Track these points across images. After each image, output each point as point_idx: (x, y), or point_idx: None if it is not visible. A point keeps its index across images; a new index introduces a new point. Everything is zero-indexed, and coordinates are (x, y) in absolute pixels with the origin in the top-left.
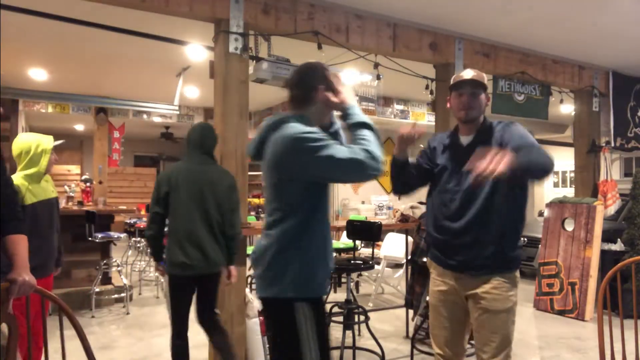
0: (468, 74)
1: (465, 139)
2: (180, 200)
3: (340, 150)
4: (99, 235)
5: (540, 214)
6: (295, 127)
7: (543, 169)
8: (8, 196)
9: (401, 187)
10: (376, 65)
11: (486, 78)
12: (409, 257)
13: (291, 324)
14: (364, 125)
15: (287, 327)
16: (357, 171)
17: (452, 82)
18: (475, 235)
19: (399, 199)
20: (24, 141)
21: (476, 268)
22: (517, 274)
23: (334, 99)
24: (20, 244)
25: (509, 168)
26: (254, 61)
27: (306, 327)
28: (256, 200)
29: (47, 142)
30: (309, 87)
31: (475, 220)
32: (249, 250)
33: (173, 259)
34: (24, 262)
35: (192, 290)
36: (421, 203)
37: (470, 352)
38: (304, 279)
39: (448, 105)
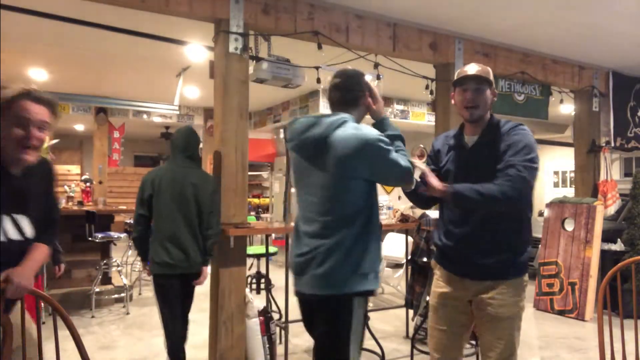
0: (472, 68)
1: (470, 140)
2: (163, 202)
3: (399, 157)
4: (99, 235)
5: (540, 214)
6: (366, 128)
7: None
8: (53, 212)
9: (423, 205)
10: (376, 65)
11: (491, 73)
12: (409, 257)
13: (348, 319)
14: (399, 138)
15: (343, 322)
16: (407, 178)
17: (455, 77)
18: (480, 241)
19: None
20: None
21: (482, 274)
22: (526, 277)
23: (373, 106)
24: (39, 250)
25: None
26: (254, 61)
27: (358, 320)
28: (256, 201)
29: None
30: (357, 91)
31: (480, 226)
32: (249, 250)
33: (156, 258)
34: (31, 264)
35: (178, 290)
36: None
37: (469, 352)
38: (368, 274)
39: (452, 101)
